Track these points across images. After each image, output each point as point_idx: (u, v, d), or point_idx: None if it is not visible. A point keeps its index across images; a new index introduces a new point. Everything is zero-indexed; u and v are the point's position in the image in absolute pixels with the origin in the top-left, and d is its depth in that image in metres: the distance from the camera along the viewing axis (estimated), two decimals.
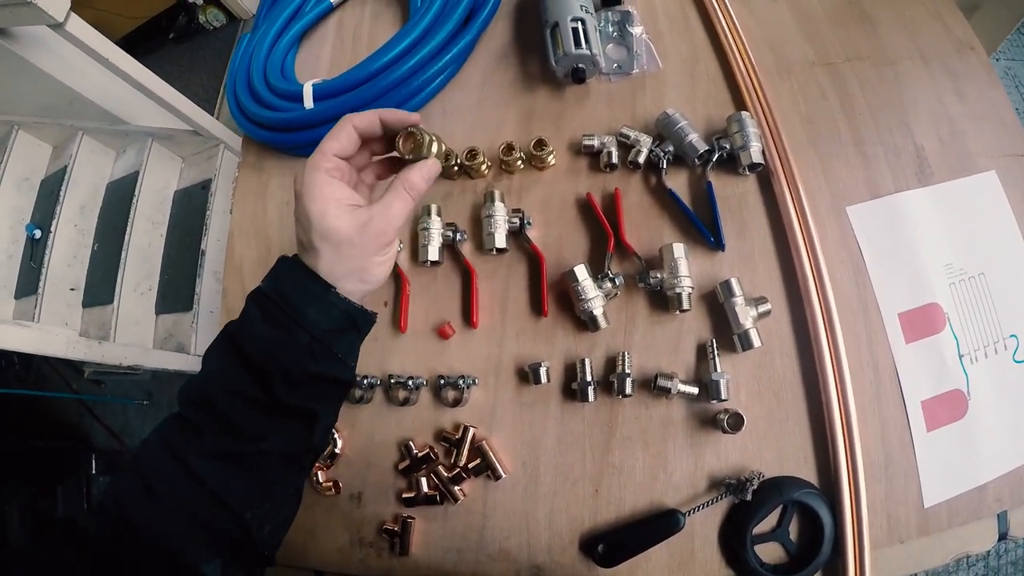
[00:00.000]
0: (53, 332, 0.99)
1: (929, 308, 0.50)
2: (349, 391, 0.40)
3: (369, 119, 0.37)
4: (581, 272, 0.47)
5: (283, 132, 0.66)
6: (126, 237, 1.31)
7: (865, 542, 0.45)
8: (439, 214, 0.55)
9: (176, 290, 1.36)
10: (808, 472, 0.47)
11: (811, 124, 0.54)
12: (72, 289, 1.29)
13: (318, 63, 0.73)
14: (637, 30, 0.59)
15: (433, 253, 0.53)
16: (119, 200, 1.35)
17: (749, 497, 0.46)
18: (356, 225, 0.35)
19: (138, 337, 1.30)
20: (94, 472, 1.42)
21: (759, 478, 0.46)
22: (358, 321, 0.37)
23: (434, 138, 0.39)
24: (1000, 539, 0.49)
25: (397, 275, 0.55)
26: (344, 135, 0.37)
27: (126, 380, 1.56)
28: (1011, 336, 0.51)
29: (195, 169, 1.44)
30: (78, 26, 0.93)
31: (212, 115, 1.35)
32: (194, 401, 0.35)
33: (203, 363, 0.36)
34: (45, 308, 1.21)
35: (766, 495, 0.46)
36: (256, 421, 0.34)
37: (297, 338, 0.34)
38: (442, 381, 0.50)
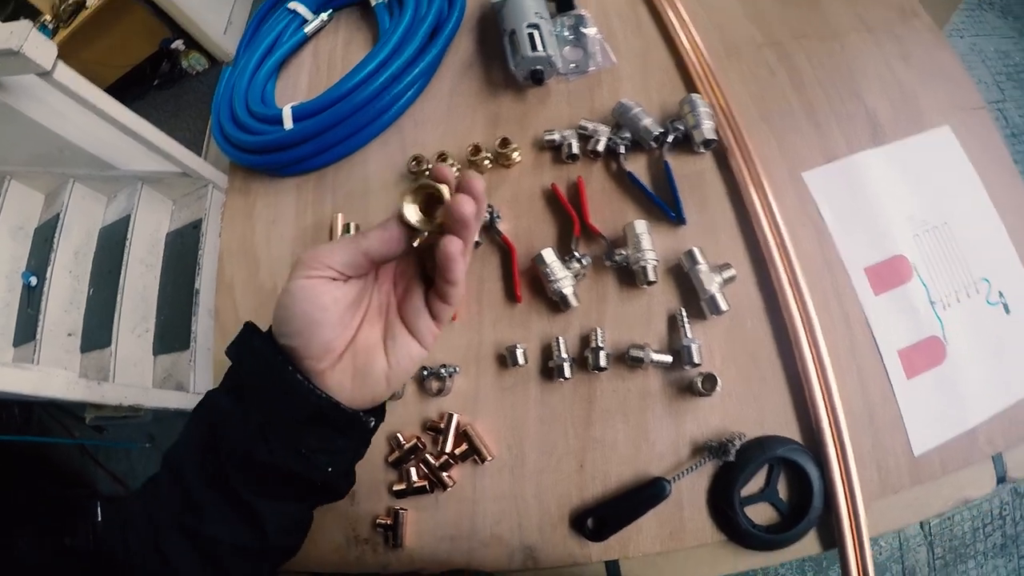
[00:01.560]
0: (52, 373, 1.03)
1: (895, 260, 0.54)
2: (335, 494, 0.36)
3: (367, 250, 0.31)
4: (548, 255, 0.51)
5: (266, 154, 0.71)
6: (121, 280, 1.38)
7: (857, 495, 0.47)
8: None
9: (173, 330, 1.41)
10: (790, 430, 0.50)
11: (762, 100, 0.59)
12: (70, 335, 1.34)
13: (296, 89, 0.80)
14: (591, 31, 0.65)
15: None
16: (112, 244, 1.42)
17: (732, 458, 0.48)
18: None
19: (137, 378, 1.35)
20: (100, 519, 1.44)
21: (740, 439, 0.48)
22: (331, 416, 0.32)
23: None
24: (999, 482, 0.51)
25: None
26: (346, 251, 0.31)
27: (128, 425, 1.60)
28: (983, 280, 0.54)
29: (186, 210, 1.51)
30: (66, 74, 1.00)
31: (200, 156, 1.42)
32: (166, 461, 0.34)
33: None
34: (44, 354, 1.26)
35: (750, 455, 0.49)
36: (202, 497, 0.32)
37: (249, 417, 0.31)
38: (425, 372, 0.54)
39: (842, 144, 0.57)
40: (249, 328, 0.33)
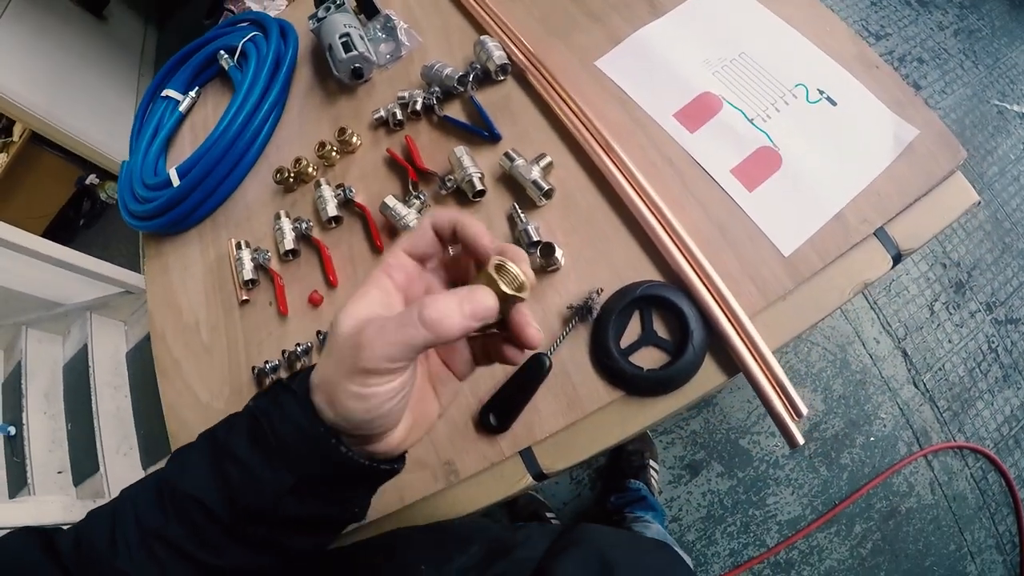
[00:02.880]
0: (48, 500, 1.11)
1: (701, 98, 0.61)
2: (355, 520, 0.35)
3: (448, 218, 0.32)
4: (390, 200, 0.62)
5: (165, 214, 0.83)
6: (94, 408, 1.47)
7: (738, 311, 0.51)
8: (287, 216, 0.70)
9: (155, 440, 1.50)
10: (649, 273, 0.56)
11: (546, 21, 0.71)
12: (60, 472, 1.43)
13: (182, 160, 0.92)
14: (398, 24, 0.78)
15: (289, 243, 0.68)
16: (78, 377, 1.53)
17: (596, 313, 0.54)
18: (352, 323, 0.28)
19: None
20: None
21: (598, 293, 0.55)
22: (372, 476, 0.32)
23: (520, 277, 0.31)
24: (897, 260, 0.53)
25: (270, 275, 0.69)
26: (418, 233, 0.32)
27: None
28: (797, 85, 0.60)
29: (137, 326, 1.63)
30: None
31: (139, 272, 1.56)
32: (173, 492, 0.32)
33: (197, 441, 0.34)
34: (39, 496, 1.34)
35: (613, 305, 0.54)
36: (220, 541, 0.31)
37: (280, 477, 0.30)
38: (321, 336, 0.62)
39: (625, 27, 0.67)
40: (281, 388, 0.31)
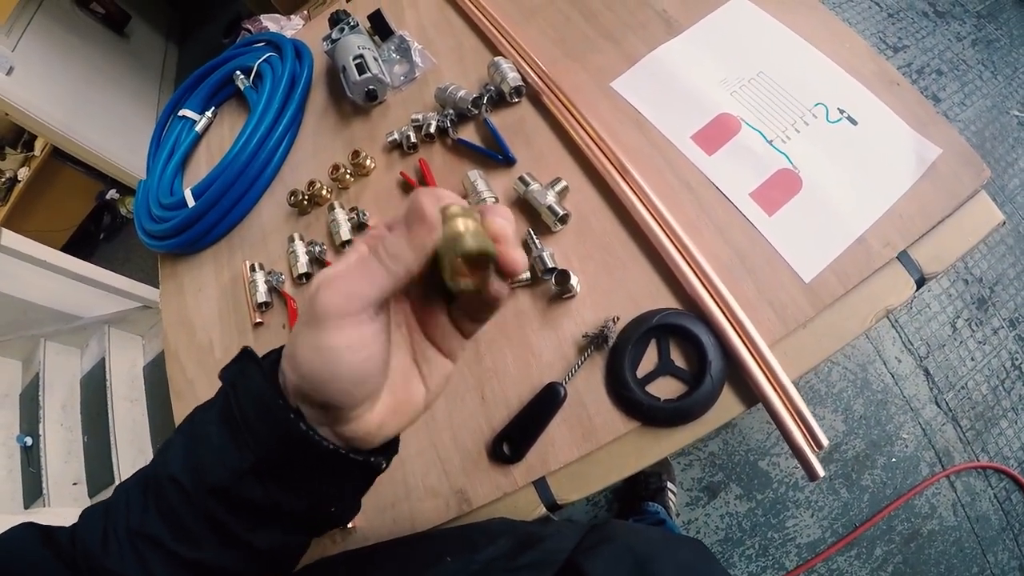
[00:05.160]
0: (63, 512, 1.11)
1: (718, 119, 0.60)
2: (337, 524, 0.33)
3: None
4: None
5: (179, 235, 0.83)
6: (110, 421, 1.48)
7: (756, 339, 0.50)
8: (301, 239, 0.69)
9: None
10: (666, 301, 0.54)
11: (562, 42, 0.70)
12: (75, 483, 1.43)
13: (198, 179, 0.92)
14: (412, 45, 0.77)
15: (303, 267, 0.67)
16: (95, 390, 1.54)
17: (612, 342, 0.53)
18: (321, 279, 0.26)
19: None
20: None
21: (614, 321, 0.54)
22: (341, 466, 0.29)
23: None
24: (920, 284, 0.51)
25: (283, 298, 0.69)
26: (385, 278, 0.25)
27: None
28: (817, 105, 0.58)
29: (155, 341, 1.64)
30: (14, 240, 1.15)
31: (157, 287, 1.57)
32: (150, 483, 0.31)
33: (181, 423, 0.32)
34: (54, 507, 1.34)
35: (629, 334, 0.53)
36: (198, 529, 0.29)
37: (244, 456, 0.28)
38: None
39: (641, 47, 0.66)
40: (246, 356, 0.30)
